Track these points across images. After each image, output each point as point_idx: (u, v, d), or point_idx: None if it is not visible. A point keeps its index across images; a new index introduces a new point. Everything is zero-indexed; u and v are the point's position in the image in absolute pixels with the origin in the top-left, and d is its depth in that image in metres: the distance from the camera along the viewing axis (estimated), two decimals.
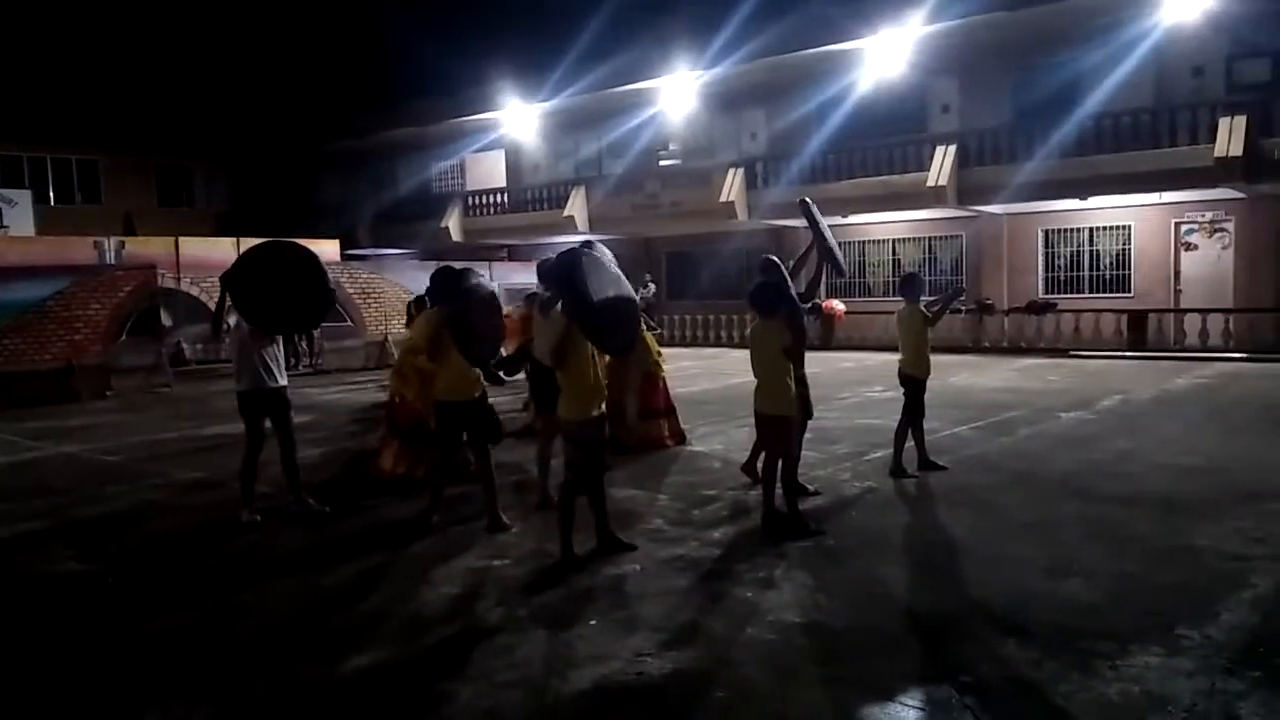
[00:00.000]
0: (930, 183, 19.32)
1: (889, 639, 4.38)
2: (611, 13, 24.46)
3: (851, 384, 14.24)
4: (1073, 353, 17.88)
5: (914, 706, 3.67)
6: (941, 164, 19.34)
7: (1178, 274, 18.98)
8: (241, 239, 22.99)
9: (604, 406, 5.70)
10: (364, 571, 5.61)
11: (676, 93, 23.91)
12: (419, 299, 11.98)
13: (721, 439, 9.54)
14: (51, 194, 29.34)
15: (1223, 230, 18.57)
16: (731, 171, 22.44)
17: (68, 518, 7.18)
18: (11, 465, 9.53)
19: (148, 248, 21.40)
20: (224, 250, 22.36)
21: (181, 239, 22.03)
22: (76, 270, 17.50)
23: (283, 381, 6.91)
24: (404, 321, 13.14)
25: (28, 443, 10.77)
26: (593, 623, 4.63)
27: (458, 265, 6.68)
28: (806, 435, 9.37)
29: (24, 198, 24.76)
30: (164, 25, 31.79)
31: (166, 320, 18.69)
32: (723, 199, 22.19)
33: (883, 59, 20.61)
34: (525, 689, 3.91)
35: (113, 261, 20.33)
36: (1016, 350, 18.80)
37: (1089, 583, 5.03)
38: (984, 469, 7.88)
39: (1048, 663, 4.02)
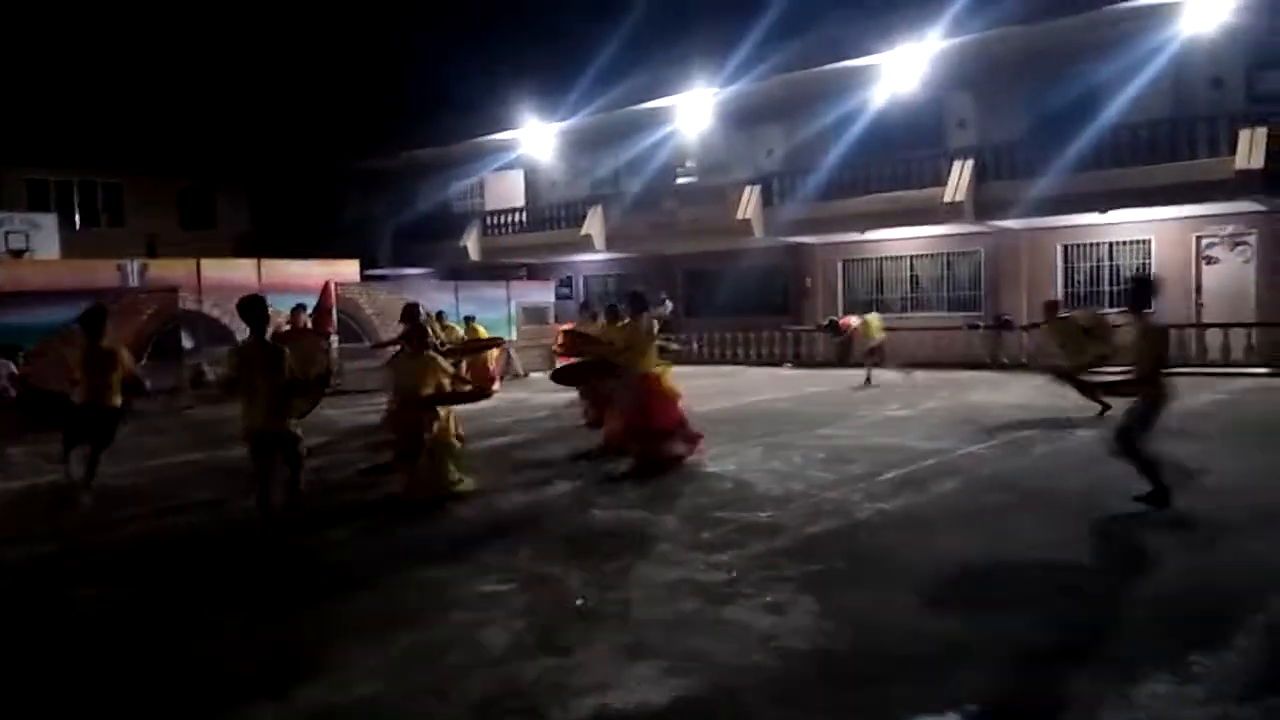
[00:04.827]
0: (947, 198, 19.25)
1: (895, 665, 4.33)
2: (628, 32, 24.58)
3: (867, 401, 14.18)
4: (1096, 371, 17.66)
5: None
6: (959, 179, 19.28)
7: (1199, 288, 18.79)
8: (262, 260, 23.30)
9: None
10: (373, 592, 5.62)
11: (693, 110, 23.98)
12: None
13: (735, 460, 9.49)
14: (77, 217, 29.75)
15: (1244, 244, 18.38)
16: (748, 189, 22.45)
17: (79, 542, 7.24)
18: (31, 488, 9.62)
19: (170, 270, 21.58)
20: (245, 271, 22.62)
21: (203, 261, 22.20)
22: (100, 293, 17.66)
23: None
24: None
25: (49, 466, 10.86)
26: (597, 649, 4.61)
27: None
28: (820, 456, 9.46)
29: (49, 221, 25.03)
30: (186, 49, 32.27)
31: (188, 342, 18.87)
32: (739, 216, 22.20)
33: (899, 74, 20.59)
34: (526, 718, 3.90)
35: (136, 284, 20.53)
36: (1036, 367, 18.59)
37: (1100, 606, 4.98)
38: (998, 488, 7.80)
39: (1056, 689, 3.98)
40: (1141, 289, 7.33)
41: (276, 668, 4.58)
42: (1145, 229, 19.28)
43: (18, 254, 23.59)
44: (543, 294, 23.43)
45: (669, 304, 24.19)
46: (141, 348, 15.99)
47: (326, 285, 17.91)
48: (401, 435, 8.26)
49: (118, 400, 8.72)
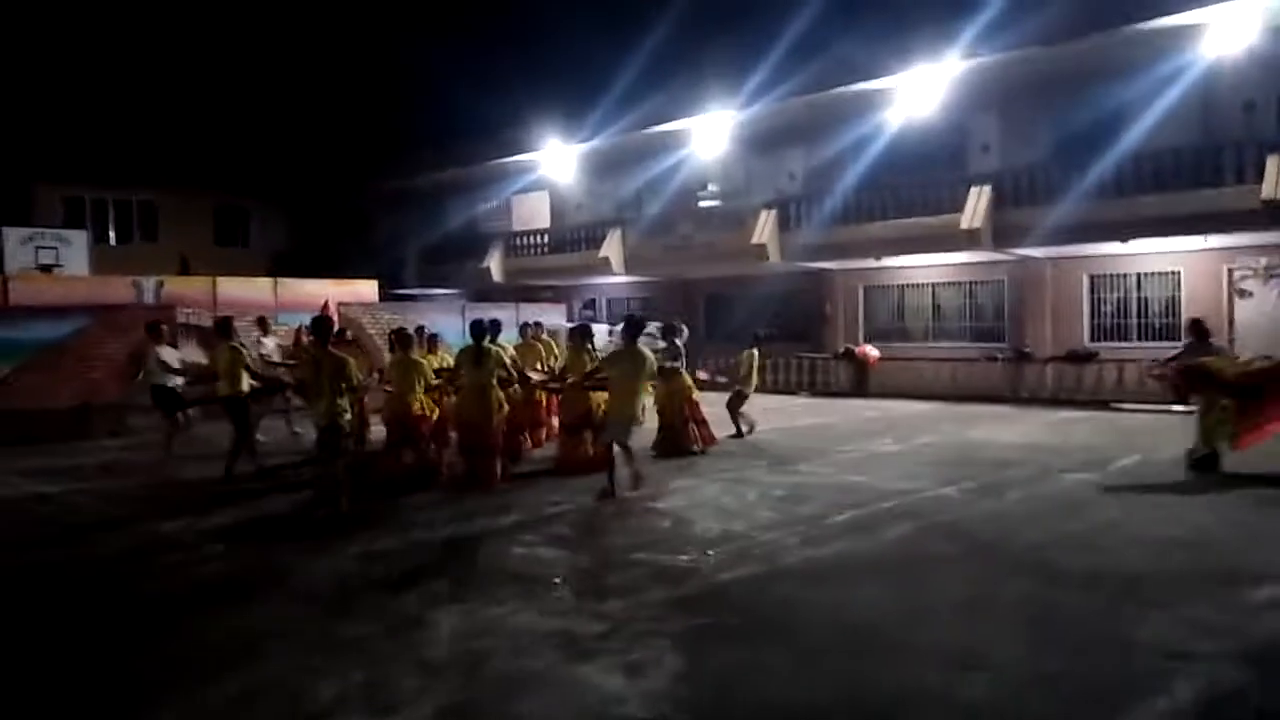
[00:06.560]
0: (964, 224, 18.62)
1: None
2: (648, 54, 24.40)
3: (862, 435, 13.60)
4: (1114, 405, 16.89)
5: None
6: (976, 205, 18.63)
7: (1231, 322, 17.86)
8: (279, 279, 23.44)
9: None
10: (226, 626, 5.31)
11: (714, 132, 23.64)
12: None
13: (688, 495, 9.08)
14: (112, 234, 30.24)
15: (1279, 276, 17.45)
16: (764, 213, 22.00)
17: None
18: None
19: (187, 287, 21.80)
20: (261, 290, 22.75)
21: (220, 279, 22.39)
22: (109, 309, 17.85)
23: None
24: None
25: (14, 480, 10.82)
26: (422, 708, 4.24)
27: None
28: (778, 494, 8.99)
29: (79, 237, 25.37)
30: (222, 71, 32.81)
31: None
32: (754, 241, 21.74)
33: (919, 96, 20.05)
34: None
35: (151, 301, 20.71)
36: (1056, 401, 17.83)
37: (993, 678, 4.48)
38: (948, 537, 7.27)
39: None
40: (633, 325, 9.65)
41: (82, 707, 4.31)
42: (1175, 260, 18.44)
43: (47, 269, 23.98)
44: (553, 315, 23.11)
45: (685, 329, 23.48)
46: (138, 364, 15.94)
47: (325, 305, 17.90)
48: (395, 425, 10.31)
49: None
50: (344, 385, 8.58)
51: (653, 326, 16.04)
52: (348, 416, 8.74)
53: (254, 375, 11.00)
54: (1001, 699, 4.27)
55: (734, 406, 13.33)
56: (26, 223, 26.23)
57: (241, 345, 11.22)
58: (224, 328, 11.13)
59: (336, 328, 17.80)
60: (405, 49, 34.52)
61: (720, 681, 4.53)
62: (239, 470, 10.34)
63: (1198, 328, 10.52)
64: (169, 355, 12.20)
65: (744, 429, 13.31)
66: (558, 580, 5.96)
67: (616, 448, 9.11)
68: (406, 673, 4.67)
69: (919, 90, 19.91)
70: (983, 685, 4.41)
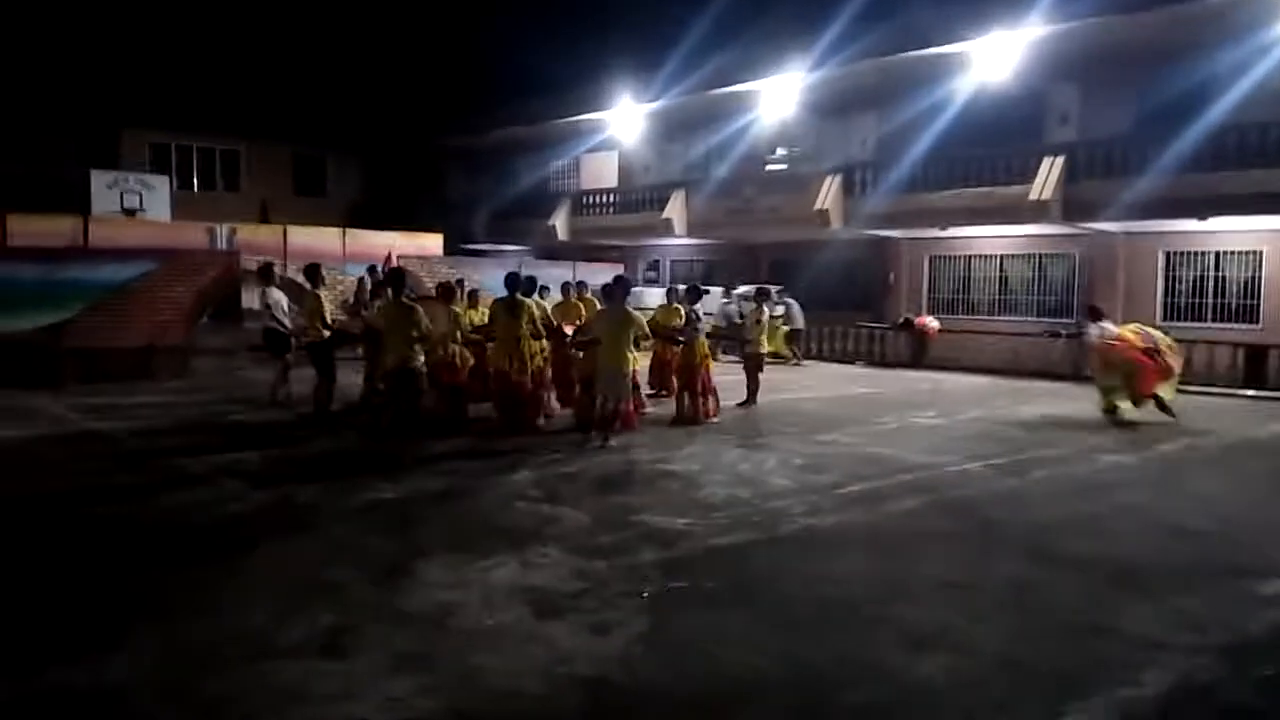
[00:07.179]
0: (1033, 196, 18.02)
1: (668, 707, 3.93)
2: (720, 13, 24.01)
3: (907, 407, 13.36)
4: (1180, 388, 16.22)
5: None
6: (1047, 176, 18.00)
7: None
8: (347, 229, 23.95)
9: None
10: (212, 563, 5.51)
11: (784, 96, 23.23)
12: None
13: (705, 458, 9.06)
14: (196, 181, 31.09)
15: None
16: (828, 179, 21.61)
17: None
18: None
19: (257, 235, 22.45)
20: (330, 240, 23.33)
21: (291, 228, 22.99)
22: (178, 253, 18.44)
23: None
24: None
25: (68, 415, 11.32)
26: (377, 655, 4.35)
27: None
28: (797, 462, 8.93)
29: (162, 183, 26.21)
30: (308, 24, 33.19)
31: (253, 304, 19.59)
32: (817, 206, 21.39)
33: (998, 63, 19.36)
34: None
35: (224, 247, 21.38)
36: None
37: (955, 660, 4.41)
38: (955, 513, 7.14)
39: None
40: (622, 285, 10.14)
41: (59, 636, 4.52)
42: (1257, 239, 17.61)
43: (130, 213, 24.85)
44: (609, 276, 23.13)
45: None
46: (201, 308, 16.51)
47: (387, 257, 18.27)
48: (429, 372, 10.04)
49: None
50: (414, 334, 9.00)
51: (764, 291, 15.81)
52: (419, 361, 9.19)
53: (326, 324, 11.39)
54: (957, 680, 4.20)
55: (751, 369, 12.86)
56: (114, 167, 27.06)
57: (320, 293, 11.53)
58: (311, 274, 11.60)
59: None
60: (479, 6, 34.57)
61: (678, 646, 4.55)
62: (303, 411, 11.23)
63: (1092, 311, 12.99)
64: (278, 299, 12.52)
65: (756, 397, 12.82)
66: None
67: (601, 400, 9.61)
68: (375, 619, 4.79)
69: (996, 56, 19.25)
70: (942, 665, 4.35)
